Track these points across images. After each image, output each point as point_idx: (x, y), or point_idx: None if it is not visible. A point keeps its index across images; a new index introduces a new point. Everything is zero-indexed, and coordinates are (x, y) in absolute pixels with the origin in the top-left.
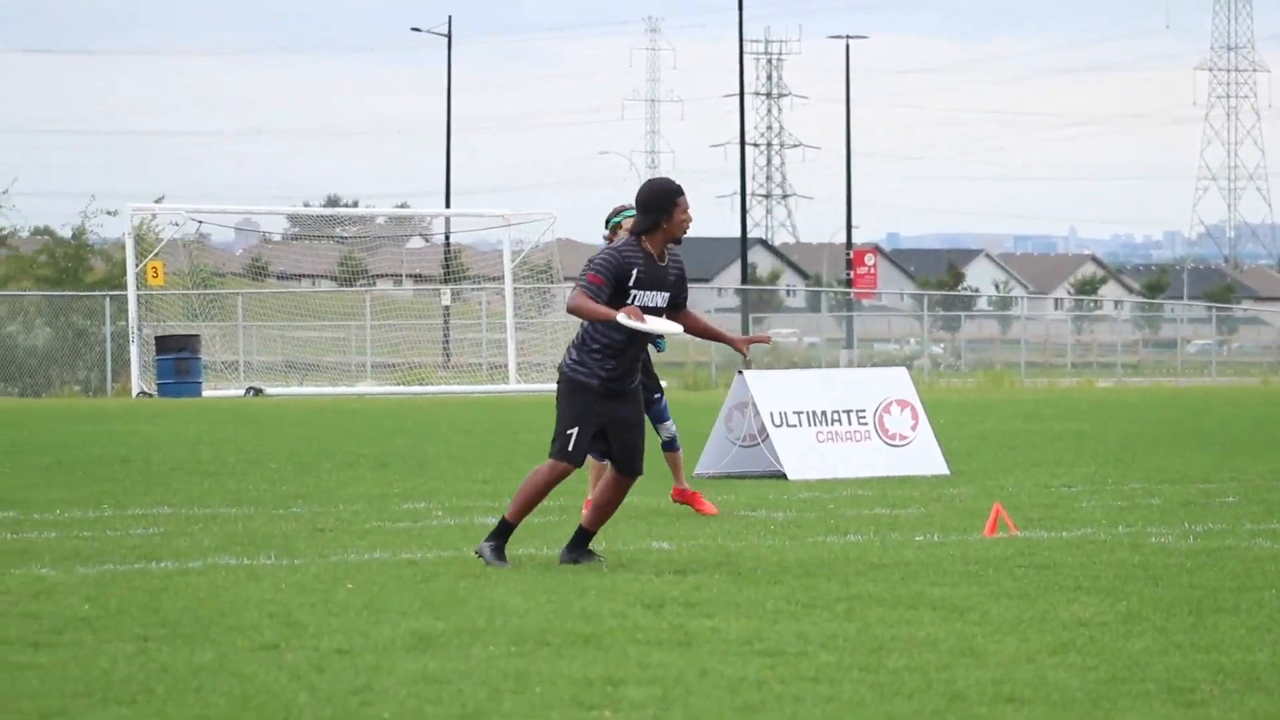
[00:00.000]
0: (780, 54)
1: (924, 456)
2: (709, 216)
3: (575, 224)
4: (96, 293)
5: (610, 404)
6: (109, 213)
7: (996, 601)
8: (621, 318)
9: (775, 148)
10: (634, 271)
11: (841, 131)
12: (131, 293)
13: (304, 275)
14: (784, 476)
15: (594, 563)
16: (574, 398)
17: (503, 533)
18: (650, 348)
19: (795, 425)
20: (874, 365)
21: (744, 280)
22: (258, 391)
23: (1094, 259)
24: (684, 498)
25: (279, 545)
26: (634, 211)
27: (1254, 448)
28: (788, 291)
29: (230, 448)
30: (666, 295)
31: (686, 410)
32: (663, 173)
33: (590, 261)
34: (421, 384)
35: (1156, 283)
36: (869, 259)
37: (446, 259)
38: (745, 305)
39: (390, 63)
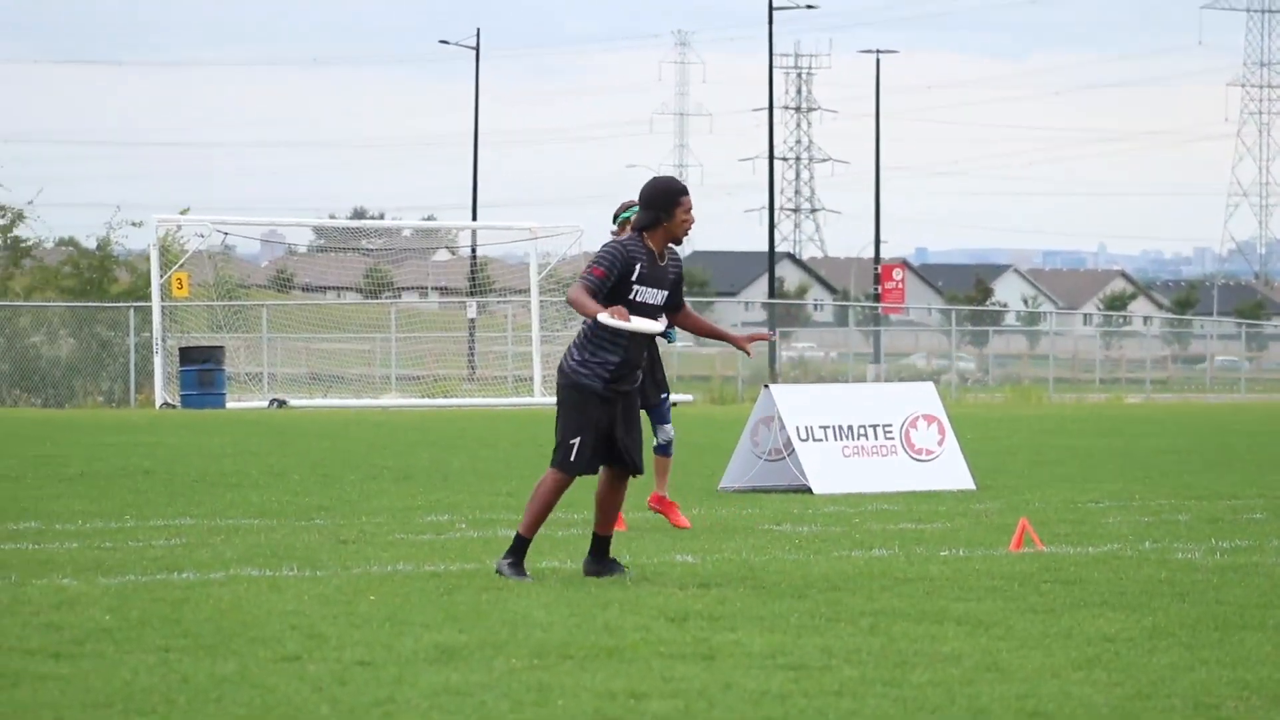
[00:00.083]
0: (810, 68)
1: (950, 471)
2: (736, 230)
3: (602, 237)
4: (121, 304)
5: (611, 406)
6: (134, 224)
7: (1022, 617)
8: (604, 317)
9: (804, 162)
10: (637, 266)
11: (871, 146)
12: (156, 304)
13: (329, 287)
14: (809, 491)
15: (619, 575)
16: (576, 404)
17: (519, 548)
18: (660, 339)
19: (821, 439)
20: (901, 380)
21: (771, 294)
22: (282, 403)
23: (1123, 275)
24: (661, 506)
25: (302, 557)
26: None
27: None
28: (815, 306)
29: (253, 460)
30: (664, 294)
31: (712, 424)
32: (692, 187)
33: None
34: (446, 397)
35: (1186, 299)
36: (897, 274)
37: (472, 271)
38: (772, 319)
39: (418, 75)
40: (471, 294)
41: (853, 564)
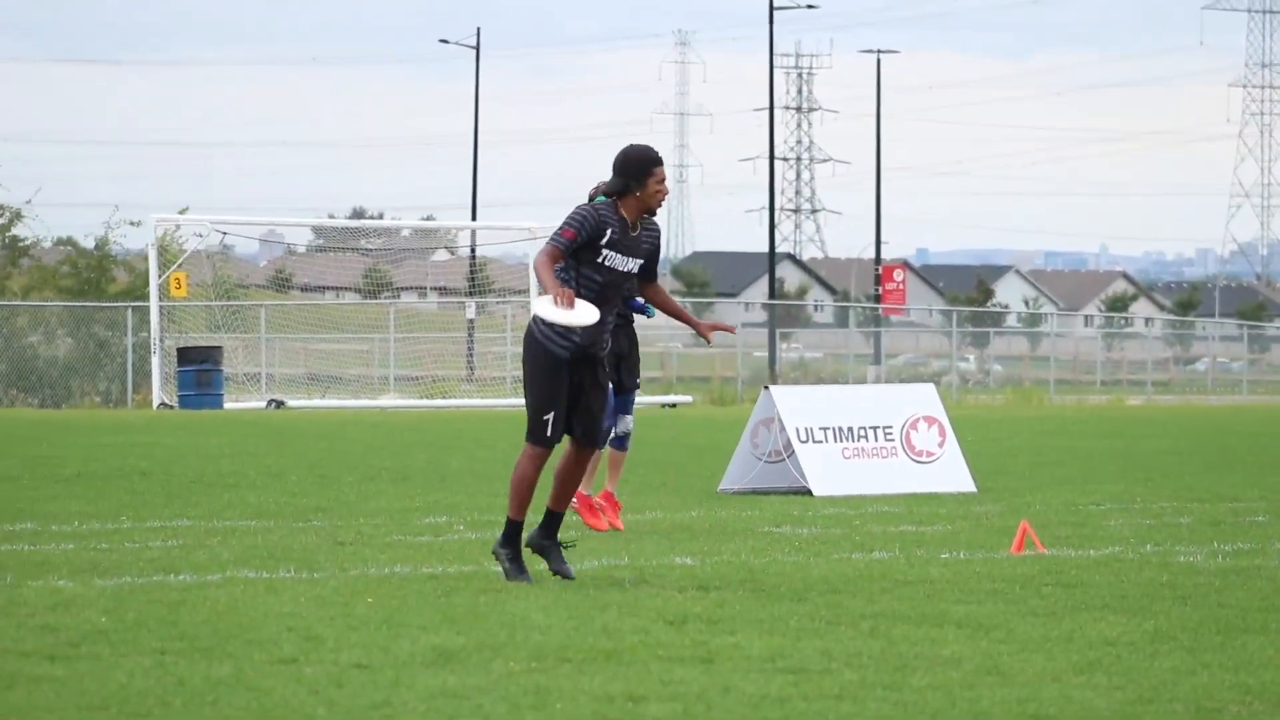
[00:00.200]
0: (811, 68)
1: (951, 473)
2: (737, 231)
3: None
4: (119, 304)
5: (576, 370)
6: (132, 223)
7: (1022, 620)
8: (545, 302)
9: (805, 162)
10: (608, 231)
11: (872, 146)
12: (154, 304)
13: (328, 287)
14: (809, 493)
15: (563, 573)
16: (544, 373)
17: (513, 535)
18: (639, 315)
19: (821, 441)
20: (901, 381)
21: (771, 295)
22: (280, 404)
23: (1125, 276)
24: (606, 500)
25: (299, 559)
26: None
27: None
28: (815, 307)
29: (251, 460)
30: (639, 263)
31: (712, 425)
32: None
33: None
34: (445, 397)
35: (1188, 300)
36: (898, 274)
37: (472, 272)
38: (772, 320)
39: (418, 75)
40: (470, 294)
41: (853, 566)
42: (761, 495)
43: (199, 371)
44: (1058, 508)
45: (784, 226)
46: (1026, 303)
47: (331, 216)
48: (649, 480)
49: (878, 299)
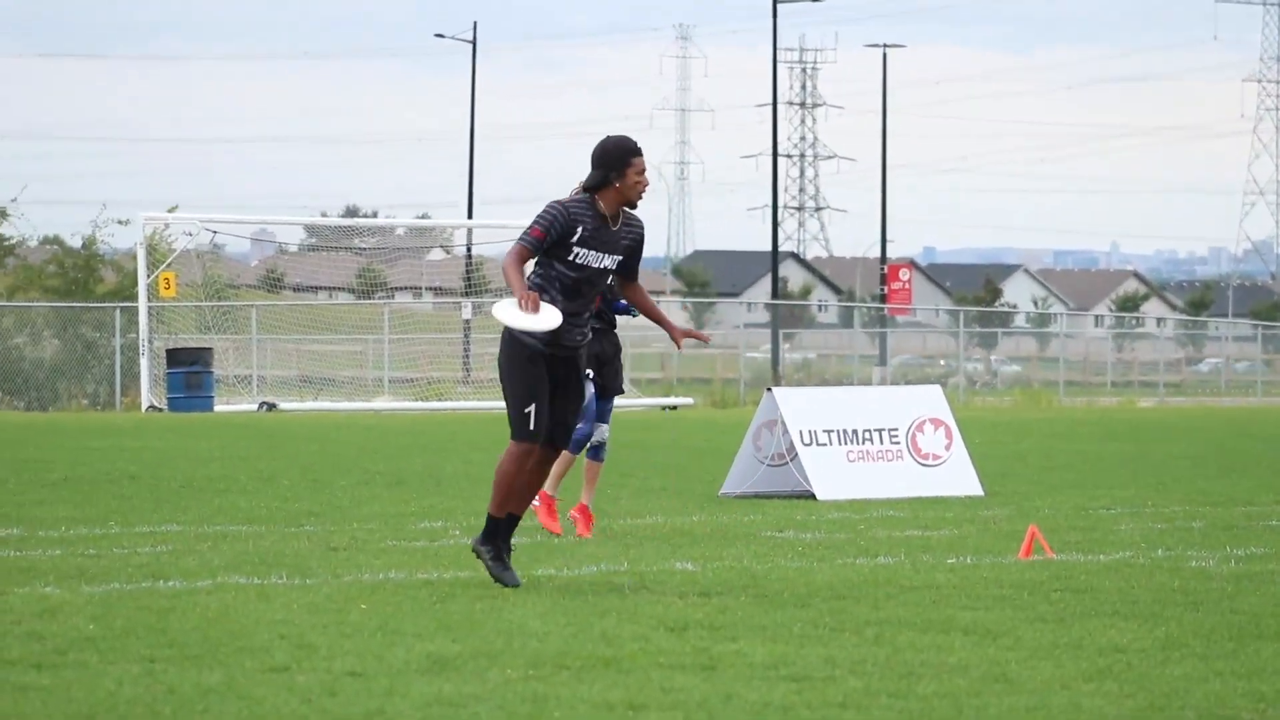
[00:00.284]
0: (815, 63)
1: (958, 477)
2: (739, 229)
3: None
4: (106, 304)
5: (553, 367)
6: (120, 222)
7: (1031, 626)
8: (505, 305)
9: (809, 159)
10: (579, 228)
11: (877, 143)
12: (142, 304)
13: (320, 287)
14: (813, 497)
15: (508, 581)
16: (522, 369)
17: (493, 531)
18: (622, 316)
19: (825, 444)
20: (907, 383)
21: (775, 295)
22: (271, 407)
23: (1136, 275)
24: (581, 513)
25: (291, 564)
26: None
27: None
28: (820, 307)
29: (242, 464)
30: (617, 259)
31: (713, 428)
32: (693, 184)
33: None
34: (440, 400)
35: (1201, 300)
36: (904, 274)
37: (468, 271)
38: (776, 320)
39: (413, 69)
40: (467, 294)
41: (857, 572)
42: (764, 499)
43: (189, 373)
44: (1067, 512)
45: (787, 225)
46: (1035, 302)
47: (324, 215)
48: (649, 484)
49: (883, 299)
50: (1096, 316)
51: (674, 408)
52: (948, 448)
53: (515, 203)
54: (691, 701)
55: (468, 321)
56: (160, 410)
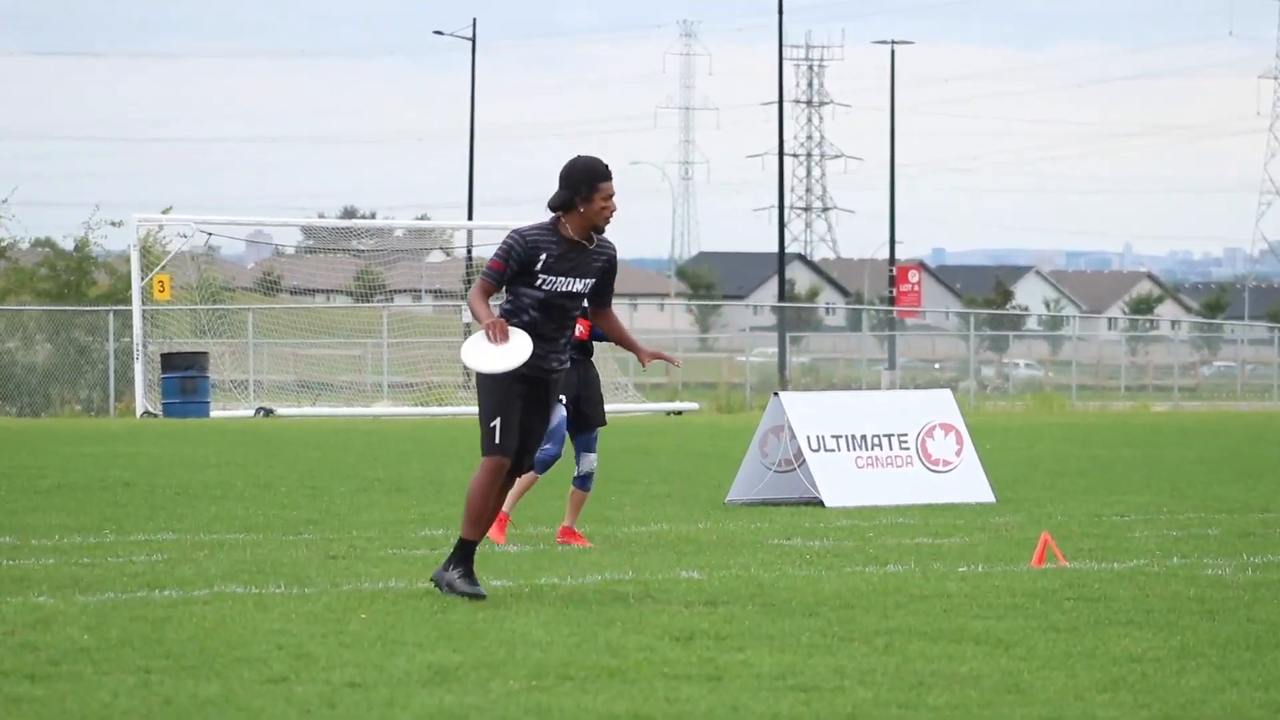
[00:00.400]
0: (822, 60)
1: (968, 483)
2: (745, 230)
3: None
4: (100, 308)
5: (524, 386)
6: (113, 223)
7: (1044, 635)
8: (475, 343)
9: (815, 158)
10: (542, 255)
11: (885, 142)
12: (136, 308)
13: (318, 290)
14: (821, 503)
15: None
16: (491, 387)
17: (466, 555)
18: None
19: (833, 450)
20: (917, 387)
21: (781, 297)
22: (268, 412)
23: (1150, 276)
24: (566, 537)
25: (289, 573)
26: None
27: None
28: (827, 309)
29: (239, 471)
30: (587, 281)
31: (719, 433)
32: (698, 184)
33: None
34: (440, 405)
35: (1216, 302)
36: (913, 275)
37: (468, 274)
38: (782, 323)
39: (411, 67)
40: (467, 297)
41: (866, 580)
42: (771, 506)
43: (184, 378)
44: (1080, 519)
45: (794, 225)
46: (1047, 305)
47: (321, 216)
48: (654, 491)
49: (892, 301)
50: (1110, 319)
51: (679, 413)
52: (958, 453)
53: (517, 203)
54: (697, 712)
55: (468, 325)
56: (155, 416)
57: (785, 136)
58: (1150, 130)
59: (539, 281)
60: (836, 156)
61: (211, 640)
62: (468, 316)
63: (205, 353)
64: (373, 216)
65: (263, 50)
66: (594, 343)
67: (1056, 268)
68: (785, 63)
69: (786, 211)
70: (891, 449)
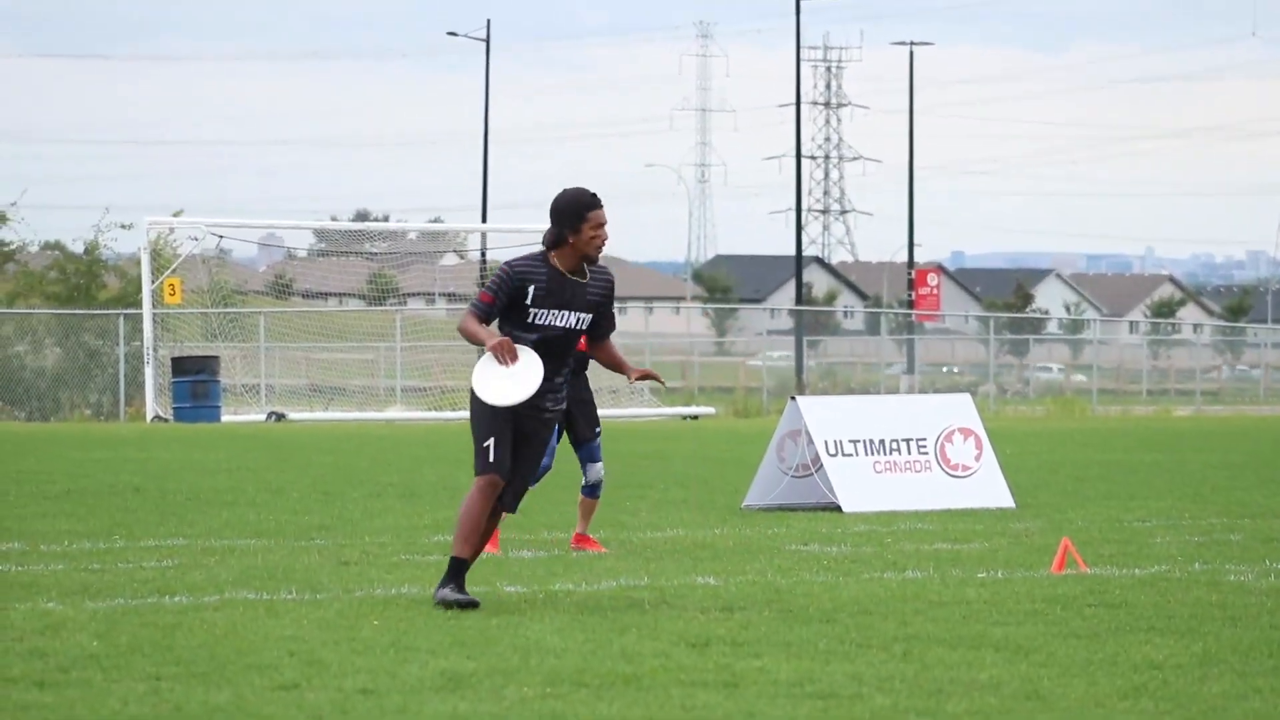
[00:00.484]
0: (840, 61)
1: (988, 488)
2: (762, 233)
3: (620, 241)
4: (110, 311)
5: (519, 418)
6: (124, 226)
7: (1064, 642)
8: (485, 369)
9: (833, 160)
10: (531, 288)
11: (904, 144)
12: (147, 311)
13: (330, 294)
14: (839, 509)
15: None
16: (486, 408)
17: (458, 572)
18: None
19: (851, 454)
20: (936, 391)
21: (799, 301)
22: (280, 417)
23: (1172, 280)
24: (580, 544)
25: (301, 579)
26: None
27: None
28: (845, 313)
29: (250, 476)
30: (582, 316)
31: (736, 438)
32: (714, 187)
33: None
34: (454, 409)
35: (1239, 305)
36: (932, 279)
37: (482, 277)
38: (799, 327)
39: (424, 69)
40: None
41: (884, 586)
42: (788, 511)
43: (195, 382)
44: (1101, 524)
45: (811, 228)
46: (1068, 308)
47: (334, 219)
48: (670, 496)
49: (911, 305)
50: (1131, 323)
51: (695, 417)
52: (978, 458)
53: (531, 206)
54: (714, 719)
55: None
56: (165, 420)
57: (803, 138)
58: (1173, 132)
59: (529, 316)
60: (855, 158)
61: (222, 647)
62: None
63: (216, 356)
64: (385, 219)
65: (273, 52)
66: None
67: (1077, 271)
68: (803, 64)
69: (804, 214)
70: (910, 454)
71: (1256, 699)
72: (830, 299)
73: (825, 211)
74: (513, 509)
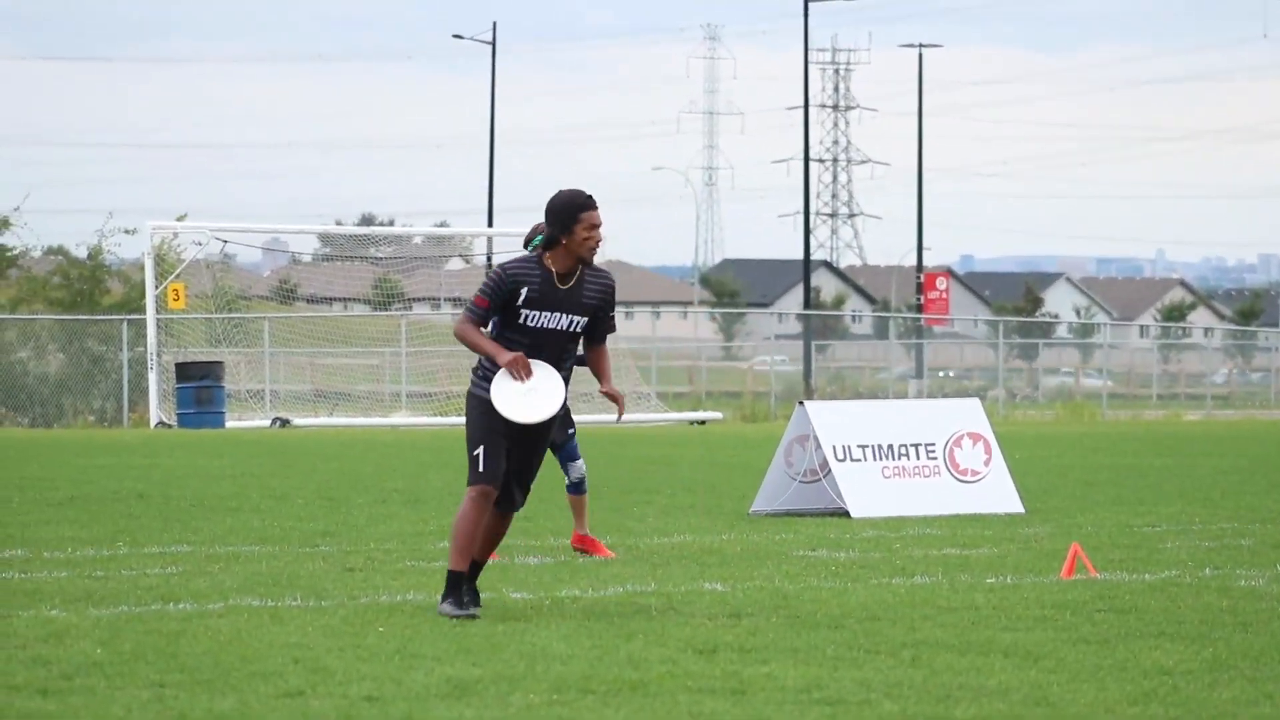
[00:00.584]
0: (848, 64)
1: (997, 493)
2: (769, 237)
3: (627, 245)
4: (113, 316)
5: (514, 425)
6: (127, 231)
7: (1073, 648)
8: (499, 379)
9: (842, 164)
10: (523, 290)
11: (912, 147)
12: (150, 316)
13: (335, 298)
14: (847, 514)
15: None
16: (477, 417)
17: (455, 585)
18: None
19: (860, 459)
20: (945, 395)
21: (807, 305)
22: (284, 422)
23: (1183, 283)
24: (584, 545)
25: (305, 586)
26: None
27: None
28: (853, 317)
29: (254, 482)
30: (576, 319)
31: (743, 443)
32: (722, 190)
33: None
34: (459, 415)
35: (1250, 309)
36: (941, 283)
37: None
38: (808, 332)
39: (430, 72)
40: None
41: (893, 592)
42: (796, 517)
43: (199, 388)
44: (1111, 529)
45: (820, 232)
46: (1078, 312)
47: (339, 223)
48: (677, 501)
49: (919, 309)
50: (1141, 327)
51: (702, 422)
52: (987, 463)
53: (537, 210)
54: None
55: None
56: (169, 426)
57: (811, 141)
58: (1183, 134)
59: (521, 318)
60: (863, 162)
61: (226, 654)
62: None
63: (220, 362)
64: (391, 223)
65: (278, 55)
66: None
67: (1087, 274)
68: (811, 66)
69: (812, 218)
70: (919, 459)
71: (1267, 705)
72: (839, 303)
73: (833, 215)
74: (517, 504)
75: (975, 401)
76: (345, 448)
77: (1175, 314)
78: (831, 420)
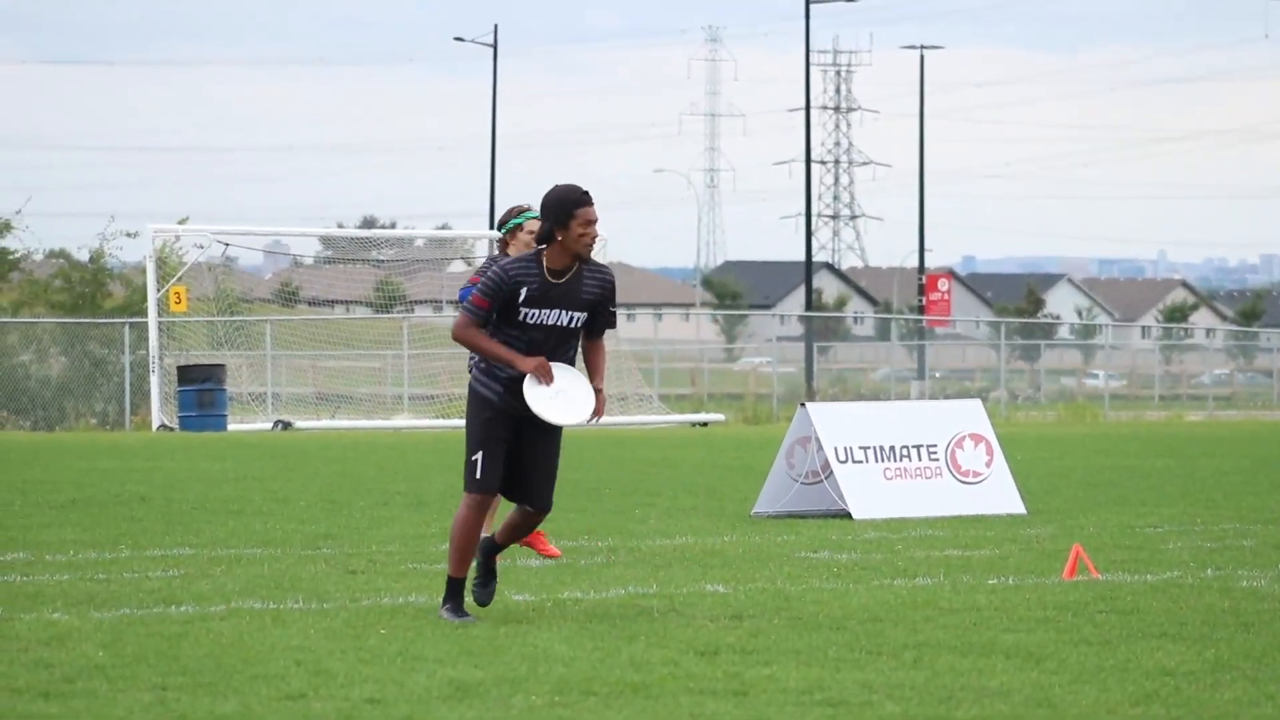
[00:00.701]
0: (849, 65)
1: (999, 494)
2: (771, 239)
3: (629, 247)
4: (115, 320)
5: (515, 420)
6: (129, 234)
7: (1075, 649)
8: (528, 383)
9: (843, 165)
10: (523, 289)
11: (914, 148)
12: (152, 320)
13: (337, 301)
14: (849, 516)
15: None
16: (477, 418)
17: (455, 591)
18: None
19: (861, 461)
20: (946, 397)
21: (808, 307)
22: (286, 425)
23: (1184, 284)
24: (529, 541)
25: (307, 588)
26: (535, 214)
27: None
28: (855, 319)
29: (256, 485)
30: (575, 315)
31: (745, 445)
32: (724, 192)
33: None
34: (462, 417)
35: (1252, 309)
36: (943, 284)
37: None
38: (809, 334)
39: (431, 75)
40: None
41: (895, 593)
42: (798, 518)
43: (201, 391)
44: (1113, 530)
45: (821, 234)
46: (1080, 313)
47: (340, 226)
48: (679, 503)
49: (921, 310)
50: (1143, 327)
51: (704, 424)
52: (988, 464)
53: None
54: None
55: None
56: (171, 429)
57: (812, 143)
58: (1185, 135)
59: (521, 316)
60: (865, 163)
61: (228, 657)
62: None
63: (222, 365)
64: (392, 226)
65: (279, 58)
66: None
67: (1089, 275)
68: (812, 68)
69: (814, 219)
70: (920, 460)
71: (1269, 706)
72: (840, 305)
73: (835, 217)
74: (540, 508)
75: (977, 403)
76: (347, 450)
77: (1177, 315)
78: (833, 422)
